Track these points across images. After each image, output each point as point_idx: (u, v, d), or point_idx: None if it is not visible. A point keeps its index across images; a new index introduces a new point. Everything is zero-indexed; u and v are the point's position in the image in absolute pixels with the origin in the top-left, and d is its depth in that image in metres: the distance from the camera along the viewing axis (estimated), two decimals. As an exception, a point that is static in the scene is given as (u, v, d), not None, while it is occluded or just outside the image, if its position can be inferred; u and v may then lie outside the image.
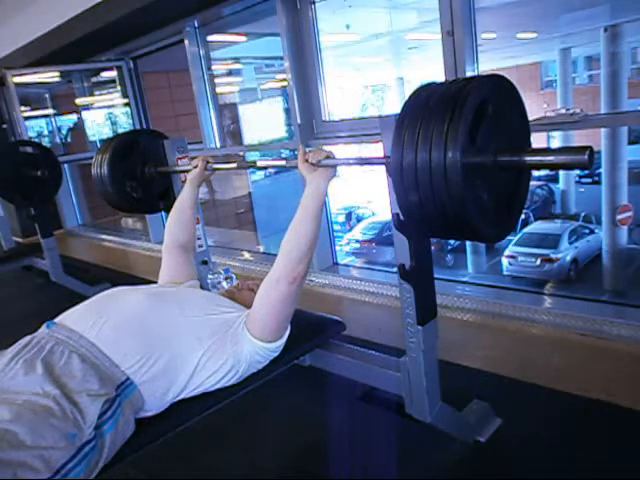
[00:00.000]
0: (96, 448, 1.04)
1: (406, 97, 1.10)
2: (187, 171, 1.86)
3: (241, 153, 6.12)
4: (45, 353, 1.13)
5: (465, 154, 0.97)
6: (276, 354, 1.36)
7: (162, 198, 2.20)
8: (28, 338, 1.20)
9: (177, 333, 1.26)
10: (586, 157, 0.95)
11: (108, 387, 1.12)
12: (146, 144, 2.14)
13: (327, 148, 1.40)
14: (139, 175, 2.12)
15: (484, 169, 1.04)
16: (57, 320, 1.26)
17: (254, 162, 1.90)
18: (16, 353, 1.14)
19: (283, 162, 1.84)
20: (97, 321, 1.22)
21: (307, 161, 1.35)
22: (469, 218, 1.01)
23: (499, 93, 1.07)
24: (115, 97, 4.57)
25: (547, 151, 1.04)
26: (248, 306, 1.37)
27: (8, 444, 0.94)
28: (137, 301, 1.32)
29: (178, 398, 1.25)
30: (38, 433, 0.98)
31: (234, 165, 1.85)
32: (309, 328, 1.62)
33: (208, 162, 1.77)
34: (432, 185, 0.99)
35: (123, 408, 1.13)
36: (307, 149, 1.39)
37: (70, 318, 1.26)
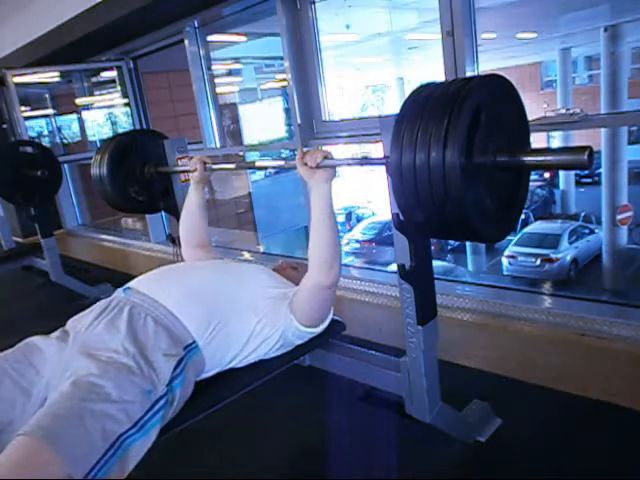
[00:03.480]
0: (168, 402, 1.14)
1: (406, 97, 1.10)
2: (187, 171, 1.85)
3: (241, 153, 6.12)
4: (126, 314, 1.24)
5: (464, 155, 0.96)
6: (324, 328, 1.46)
7: (162, 197, 2.20)
8: (106, 301, 1.32)
9: (237, 302, 1.35)
10: (585, 157, 0.94)
11: (178, 348, 1.22)
12: (145, 144, 2.14)
13: (326, 148, 1.39)
14: (139, 175, 2.12)
15: (483, 170, 1.03)
16: (131, 285, 1.37)
17: (253, 162, 1.90)
18: (98, 314, 1.26)
19: (282, 162, 1.85)
20: (168, 287, 1.34)
21: (306, 164, 1.34)
22: (468, 219, 1.01)
23: (498, 93, 1.06)
24: (115, 97, 4.57)
25: (546, 151, 1.04)
26: (294, 282, 1.48)
27: (98, 396, 1.04)
28: (203, 272, 1.46)
29: (233, 363, 1.35)
30: (122, 389, 1.08)
31: (233, 166, 1.85)
32: (309, 328, 1.61)
33: (205, 163, 1.77)
34: (431, 185, 0.98)
35: (188, 368, 1.22)
36: (305, 149, 1.38)
37: (143, 284, 1.37)
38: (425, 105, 1.02)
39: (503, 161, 1.04)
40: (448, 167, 0.95)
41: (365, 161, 1.51)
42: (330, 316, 1.47)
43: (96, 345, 1.18)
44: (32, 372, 1.16)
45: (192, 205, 1.77)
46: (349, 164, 1.42)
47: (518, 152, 1.05)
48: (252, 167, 2.03)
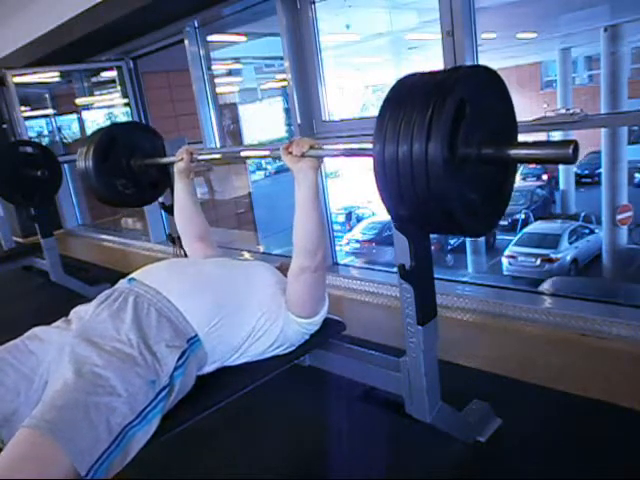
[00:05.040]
0: (168, 393, 1.15)
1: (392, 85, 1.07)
2: (173, 162, 1.83)
3: (241, 153, 6.09)
4: (131, 304, 1.25)
5: (447, 146, 0.94)
6: (319, 326, 1.46)
7: (151, 190, 2.19)
8: (109, 291, 1.33)
9: (243, 297, 1.36)
10: (570, 151, 0.91)
11: (181, 340, 1.23)
12: (132, 137, 2.11)
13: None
14: (126, 169, 2.08)
15: (467, 162, 1.00)
16: (136, 276, 1.37)
17: (238, 152, 1.88)
18: (102, 302, 1.28)
19: (267, 152, 1.83)
20: (173, 281, 1.35)
21: (291, 153, 1.33)
22: (451, 212, 0.98)
23: (485, 85, 1.04)
24: (115, 97, 4.57)
25: (532, 145, 1.01)
26: None
27: (103, 389, 1.05)
28: (209, 267, 1.46)
29: (235, 356, 1.36)
30: (126, 380, 1.08)
31: (218, 156, 1.84)
32: (309, 328, 1.61)
33: (192, 153, 1.76)
34: (413, 177, 0.96)
35: (191, 361, 1.23)
36: (293, 138, 1.37)
37: (148, 276, 1.36)
38: (409, 94, 0.99)
39: (488, 154, 1.02)
40: (431, 159, 0.93)
41: (352, 152, 1.47)
42: (325, 306, 1.46)
43: (100, 333, 1.19)
44: (33, 359, 1.17)
45: (182, 197, 1.77)
46: (335, 154, 1.41)
47: (503, 145, 1.02)
48: (238, 157, 2.03)
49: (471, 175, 1.02)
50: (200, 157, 1.77)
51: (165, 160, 2.02)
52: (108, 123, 4.95)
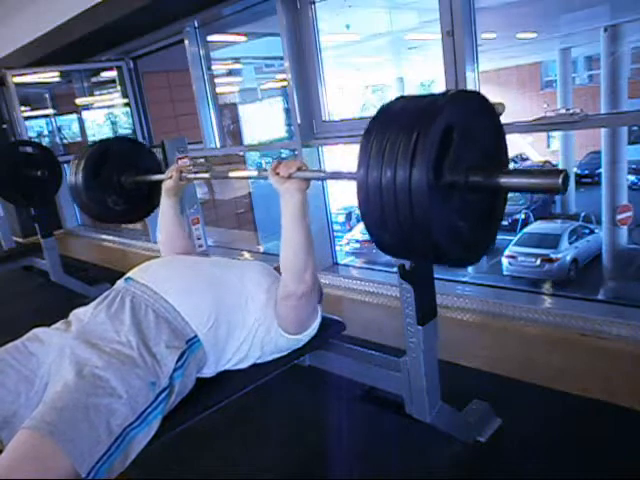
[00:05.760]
0: (168, 395, 1.15)
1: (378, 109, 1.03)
2: (163, 180, 1.82)
3: (241, 153, 6.10)
4: (128, 306, 1.25)
5: (433, 173, 0.90)
6: (310, 337, 1.45)
7: (147, 202, 2.17)
8: (107, 292, 1.34)
9: (239, 297, 1.36)
10: (560, 181, 0.89)
11: (180, 341, 1.23)
12: (125, 153, 2.07)
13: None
14: (117, 186, 2.04)
15: (454, 190, 0.97)
16: (132, 276, 1.37)
17: (227, 173, 1.91)
18: (100, 302, 1.29)
19: (255, 173, 1.85)
20: (170, 279, 1.34)
21: (278, 174, 1.31)
22: (437, 241, 0.94)
23: (472, 111, 1.01)
24: (115, 97, 4.57)
25: (521, 173, 1.00)
26: None
27: (103, 390, 1.06)
28: (206, 266, 1.45)
29: (233, 360, 1.35)
30: (126, 382, 1.08)
31: (207, 175, 1.88)
32: (309, 328, 1.61)
33: (182, 172, 1.76)
34: (397, 204, 0.92)
35: (190, 362, 1.23)
36: (281, 159, 1.36)
37: (144, 275, 1.36)
38: (395, 118, 0.96)
39: (476, 181, 0.98)
40: (415, 185, 0.89)
41: (337, 175, 1.48)
42: (317, 319, 1.44)
43: (99, 334, 1.19)
44: (33, 360, 1.17)
45: (166, 214, 1.75)
46: (320, 178, 1.40)
47: (493, 172, 0.99)
48: (225, 177, 2.10)
49: (458, 203, 0.98)
50: (189, 176, 1.77)
51: (155, 178, 1.98)
52: (108, 123, 4.95)
